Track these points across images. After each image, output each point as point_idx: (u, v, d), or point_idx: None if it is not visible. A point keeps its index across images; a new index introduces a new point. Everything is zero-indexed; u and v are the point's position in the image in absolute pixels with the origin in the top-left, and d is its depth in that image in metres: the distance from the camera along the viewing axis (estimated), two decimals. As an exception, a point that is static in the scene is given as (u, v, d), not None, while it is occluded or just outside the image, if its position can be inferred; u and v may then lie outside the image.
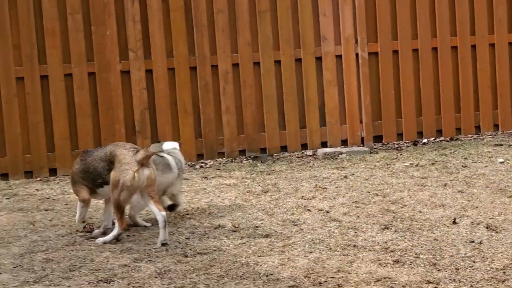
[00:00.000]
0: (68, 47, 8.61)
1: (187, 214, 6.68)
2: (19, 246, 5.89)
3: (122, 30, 8.76)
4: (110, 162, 5.89)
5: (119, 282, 4.97)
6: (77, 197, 6.22)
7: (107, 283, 4.97)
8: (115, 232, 5.90)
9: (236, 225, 6.22)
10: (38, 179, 8.55)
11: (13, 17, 8.42)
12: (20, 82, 8.51)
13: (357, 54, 9.29)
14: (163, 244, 5.73)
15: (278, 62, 9.17)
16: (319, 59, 9.27)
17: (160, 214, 5.77)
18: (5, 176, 8.50)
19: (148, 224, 6.34)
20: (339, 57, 9.30)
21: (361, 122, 9.35)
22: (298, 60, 9.23)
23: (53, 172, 8.67)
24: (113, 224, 6.02)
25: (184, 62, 8.93)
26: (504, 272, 4.95)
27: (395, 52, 9.41)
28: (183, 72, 8.94)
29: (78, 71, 8.65)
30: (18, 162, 8.51)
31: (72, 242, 5.95)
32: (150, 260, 5.41)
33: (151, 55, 8.85)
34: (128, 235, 6.06)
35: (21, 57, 8.48)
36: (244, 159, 9.17)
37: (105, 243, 5.87)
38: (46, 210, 7.05)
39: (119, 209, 5.82)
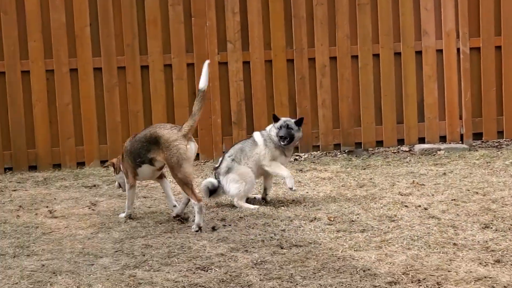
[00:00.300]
0: (168, 38, 8.75)
1: (283, 206, 6.68)
2: (119, 231, 6.02)
3: (221, 21, 8.83)
4: (150, 143, 6.03)
5: (216, 270, 5.01)
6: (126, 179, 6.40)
7: (204, 270, 5.02)
8: (196, 209, 5.92)
9: (332, 219, 6.19)
10: (137, 167, 8.71)
11: (116, 7, 8.61)
12: (121, 71, 8.70)
13: (458, 49, 9.08)
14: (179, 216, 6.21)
15: (376, 56, 9.06)
16: (418, 53, 9.11)
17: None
18: (104, 163, 8.71)
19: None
20: (439, 51, 9.12)
21: (460, 118, 9.15)
22: (397, 54, 9.10)
23: (150, 160, 8.81)
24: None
25: (281, 54, 8.94)
26: None
27: (498, 47, 9.15)
28: (280, 65, 8.95)
29: (178, 61, 8.78)
30: (117, 149, 8.70)
31: (170, 229, 6.04)
32: (246, 250, 5.43)
33: (249, 47, 8.89)
34: (224, 225, 6.11)
35: (123, 47, 8.66)
36: (339, 153, 9.11)
37: (199, 227, 5.93)
38: (145, 197, 7.19)
39: (187, 184, 5.93)
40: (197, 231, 5.92)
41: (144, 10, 8.67)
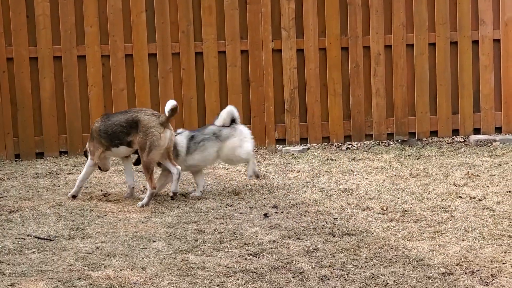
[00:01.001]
0: (222, 24, 8.77)
1: (334, 194, 6.66)
2: (172, 216, 6.07)
3: (276, 8, 8.81)
4: (130, 127, 6.38)
5: (268, 257, 5.02)
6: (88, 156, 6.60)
7: (256, 257, 5.03)
8: (148, 193, 6.34)
9: (384, 208, 6.14)
10: (189, 152, 8.77)
11: (172, -6, 8.67)
12: (175, 58, 8.75)
13: (516, 39, 8.93)
14: (174, 194, 6.48)
15: (432, 45, 8.95)
16: (475, 42, 8.97)
17: (175, 168, 6.42)
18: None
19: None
20: (496, 41, 8.96)
21: (517, 109, 9.01)
22: (453, 43, 8.97)
23: (203, 146, 8.86)
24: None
25: (335, 42, 8.89)
26: None
27: (558, 37, 8.97)
28: (334, 53, 8.90)
29: (232, 48, 8.79)
30: (170, 135, 8.77)
31: (222, 215, 6.07)
32: (298, 238, 5.43)
33: (303, 35, 8.86)
34: (276, 212, 6.12)
35: (178, 33, 8.71)
36: (392, 143, 9.04)
37: (143, 205, 6.31)
38: (197, 184, 7.21)
39: (148, 169, 6.33)
40: (142, 206, 6.32)
41: (199, -3, 8.71)
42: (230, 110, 6.87)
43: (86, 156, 6.75)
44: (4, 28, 8.39)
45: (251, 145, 6.84)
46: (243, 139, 6.81)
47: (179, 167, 6.50)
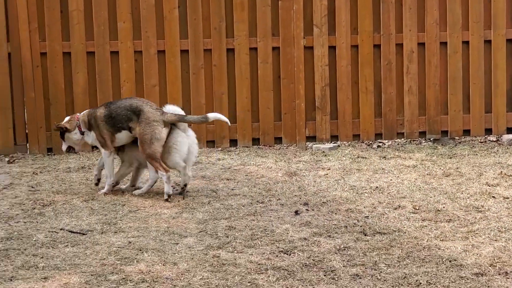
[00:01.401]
0: (254, 21, 8.76)
1: (366, 192, 6.63)
2: (203, 212, 6.09)
3: (308, 5, 8.79)
4: (133, 114, 6.57)
5: (299, 254, 5.02)
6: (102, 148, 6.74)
7: (287, 254, 5.03)
8: (165, 179, 6.45)
9: (417, 207, 6.11)
10: (219, 149, 8.80)
11: (204, -10, 8.68)
12: (207, 54, 8.76)
13: (551, 38, 8.83)
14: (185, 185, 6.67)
15: (466, 43, 8.87)
16: (510, 41, 8.88)
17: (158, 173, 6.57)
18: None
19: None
20: (532, 40, 8.87)
21: (551, 109, 8.91)
22: (487, 42, 8.89)
23: (233, 143, 8.89)
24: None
25: (368, 39, 8.84)
26: None
27: None
28: (366, 50, 8.86)
29: (263, 45, 8.79)
30: (201, 131, 8.79)
31: (252, 212, 6.07)
32: (329, 236, 5.42)
33: (335, 31, 8.83)
34: (307, 210, 6.11)
35: (210, 30, 8.72)
36: (424, 141, 8.98)
37: (168, 195, 6.44)
38: (228, 180, 7.24)
39: (155, 159, 6.50)
40: (167, 199, 6.42)
41: (231, -7, 8.72)
42: (173, 109, 6.76)
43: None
44: (39, 23, 8.46)
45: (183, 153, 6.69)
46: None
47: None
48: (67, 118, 6.94)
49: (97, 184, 6.87)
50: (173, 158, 6.64)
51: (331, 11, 8.81)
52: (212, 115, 6.88)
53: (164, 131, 6.54)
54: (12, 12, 8.39)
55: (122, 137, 6.70)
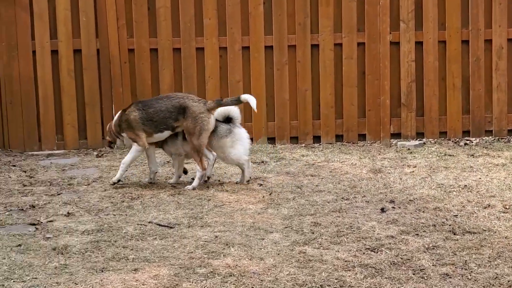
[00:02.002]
0: (339, 17, 8.71)
1: (454, 191, 6.50)
2: (288, 208, 6.08)
3: (394, 0, 8.68)
4: (178, 113, 6.71)
5: (387, 252, 4.96)
6: (134, 142, 6.81)
7: (374, 252, 4.98)
8: (198, 175, 6.68)
9: (507, 207, 5.95)
10: (303, 145, 8.79)
11: (288, -14, 8.68)
12: (291, 50, 8.76)
13: None
14: (208, 178, 6.86)
15: (558, 38, 8.62)
16: None
17: (211, 154, 6.80)
18: (271, 140, 8.85)
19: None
20: None
21: None
22: None
23: (316, 139, 8.87)
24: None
25: (456, 35, 8.68)
26: None
27: None
28: (454, 46, 8.70)
29: (348, 40, 8.73)
30: (285, 127, 8.81)
31: (338, 208, 6.04)
32: (417, 234, 5.33)
33: (422, 27, 8.70)
34: (393, 207, 6.03)
35: (294, 26, 8.71)
36: (513, 139, 8.77)
37: (194, 188, 6.64)
38: (312, 176, 7.22)
39: (199, 152, 6.68)
40: (193, 189, 6.67)
41: (316, -11, 8.69)
42: (227, 109, 6.85)
43: (110, 147, 7.21)
44: (126, 19, 8.62)
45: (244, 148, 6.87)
46: (235, 140, 6.83)
47: (215, 153, 6.83)
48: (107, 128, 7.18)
49: (153, 180, 7.06)
50: (237, 151, 6.79)
51: (418, 6, 8.68)
52: (244, 96, 6.85)
53: (211, 120, 6.73)
54: (101, 9, 8.58)
55: (163, 136, 6.87)
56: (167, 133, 6.86)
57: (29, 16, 8.54)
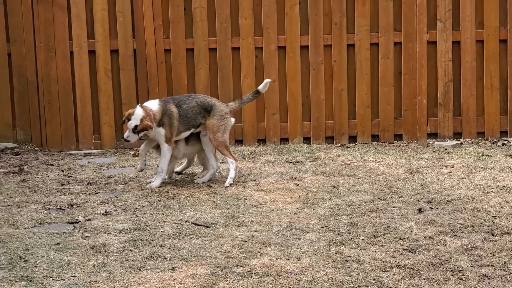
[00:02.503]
0: (376, 16, 8.67)
1: (492, 191, 6.44)
2: (324, 208, 6.07)
3: (431, -1, 8.64)
4: (205, 111, 6.94)
5: (424, 253, 4.93)
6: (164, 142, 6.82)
7: (412, 252, 4.95)
8: (233, 166, 6.90)
9: (547, 208, 5.88)
10: (338, 145, 8.77)
11: (327, -14, 8.66)
12: (327, 50, 8.73)
13: None
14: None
15: None
16: None
17: (216, 163, 7.09)
18: (307, 140, 8.83)
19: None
20: None
21: None
22: None
23: (352, 139, 8.83)
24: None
25: (494, 34, 8.60)
26: None
27: None
28: (492, 45, 8.61)
29: (384, 40, 8.68)
30: (320, 127, 8.79)
31: (374, 209, 6.01)
32: (455, 235, 5.29)
33: (459, 26, 8.62)
34: (430, 208, 5.99)
35: (330, 25, 8.69)
36: (552, 140, 8.65)
37: (230, 184, 6.80)
38: (348, 176, 7.19)
39: (227, 147, 6.96)
40: (230, 185, 6.79)
41: (357, -11, 8.66)
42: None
43: (127, 140, 6.84)
44: (163, 20, 8.66)
45: None
46: None
47: (219, 165, 7.20)
48: (140, 111, 6.76)
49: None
50: None
51: (455, 6, 8.61)
52: (261, 87, 7.17)
53: (232, 121, 7.10)
54: (138, 10, 8.63)
55: (184, 135, 6.98)
56: (188, 133, 6.97)
57: (67, 16, 8.63)
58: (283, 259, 4.85)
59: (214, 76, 8.75)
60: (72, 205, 6.24)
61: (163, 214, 5.96)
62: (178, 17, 8.67)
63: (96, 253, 4.99)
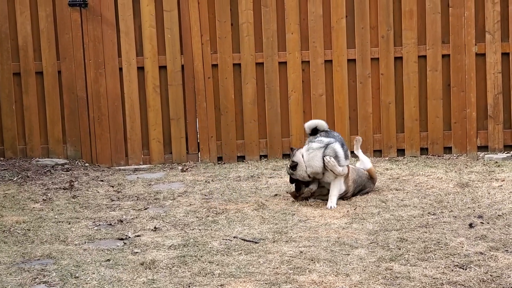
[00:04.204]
0: (423, 28, 8.61)
1: (542, 205, 6.33)
2: (373, 223, 6.03)
3: (479, 11, 8.54)
4: None
5: (475, 269, 4.86)
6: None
7: (463, 269, 4.89)
8: None
9: None
10: (387, 158, 8.71)
11: (372, 0, 8.61)
12: (374, 63, 8.70)
13: None
14: None
15: None
16: None
17: None
18: (352, 153, 8.77)
19: None
20: None
21: None
22: None
23: (400, 152, 8.77)
24: None
25: (544, 45, 8.47)
26: None
27: None
28: (542, 56, 8.48)
29: (432, 52, 8.62)
30: (368, 140, 8.74)
31: (424, 224, 5.95)
32: (507, 250, 5.21)
33: (508, 38, 8.52)
34: (481, 223, 5.91)
35: (377, 38, 8.65)
36: None
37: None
38: (397, 190, 7.14)
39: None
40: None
41: (400, 1, 8.59)
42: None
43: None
44: (210, 36, 8.73)
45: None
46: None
47: None
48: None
49: None
50: None
51: (504, 18, 8.51)
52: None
53: None
54: (185, 26, 8.72)
55: None
56: None
57: (116, 33, 8.75)
58: (332, 275, 4.84)
59: (261, 90, 8.78)
60: (122, 221, 6.31)
61: (211, 229, 5.98)
62: (225, 33, 8.72)
63: (145, 269, 5.03)
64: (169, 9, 8.71)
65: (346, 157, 6.82)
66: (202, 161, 8.82)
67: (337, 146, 6.82)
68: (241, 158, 8.85)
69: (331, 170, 6.68)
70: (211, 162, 8.78)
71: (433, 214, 6.21)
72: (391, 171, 8.00)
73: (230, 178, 7.90)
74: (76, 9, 8.72)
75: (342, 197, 6.78)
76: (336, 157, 6.70)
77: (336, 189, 6.68)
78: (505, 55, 8.55)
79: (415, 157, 8.68)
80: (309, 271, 4.91)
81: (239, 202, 6.88)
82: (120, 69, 8.78)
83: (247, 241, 5.63)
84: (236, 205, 6.75)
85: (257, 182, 7.69)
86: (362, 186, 7.00)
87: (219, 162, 8.82)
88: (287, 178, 7.14)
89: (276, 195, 7.11)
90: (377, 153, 8.78)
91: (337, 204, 6.63)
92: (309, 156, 6.75)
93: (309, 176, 6.77)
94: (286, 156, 8.77)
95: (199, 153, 8.88)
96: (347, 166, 6.82)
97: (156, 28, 8.72)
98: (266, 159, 8.83)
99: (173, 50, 8.73)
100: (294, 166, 6.76)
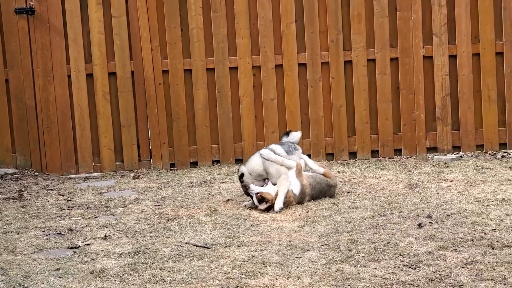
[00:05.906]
0: (372, 32, 8.70)
1: (492, 204, 6.43)
2: (324, 226, 6.06)
3: (426, 14, 8.66)
4: None
5: (424, 268, 4.91)
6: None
7: (412, 268, 4.94)
8: None
9: (547, 220, 5.87)
10: (339, 161, 8.77)
11: (321, 4, 8.67)
12: (324, 67, 8.76)
13: None
14: None
15: None
16: None
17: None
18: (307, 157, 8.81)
19: None
20: None
21: None
22: None
23: (352, 155, 8.84)
24: None
25: (490, 47, 8.62)
26: None
27: None
28: (488, 58, 8.63)
29: (381, 56, 8.71)
30: (320, 144, 8.80)
31: (374, 225, 6.00)
32: (455, 249, 5.28)
33: (455, 40, 8.65)
34: (430, 222, 5.98)
35: (327, 43, 8.72)
36: (552, 151, 8.65)
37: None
38: (348, 192, 7.19)
39: None
40: None
41: (348, 5, 8.67)
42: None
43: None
44: (160, 41, 8.70)
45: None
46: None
47: None
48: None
49: None
50: None
51: (451, 20, 8.64)
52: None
53: None
54: (134, 32, 8.68)
55: None
56: None
57: (64, 40, 8.67)
58: (284, 278, 4.85)
59: (213, 95, 8.78)
60: (71, 230, 6.25)
61: (163, 236, 5.95)
62: (175, 38, 8.70)
63: (95, 278, 4.98)
64: (118, 15, 8.66)
65: (288, 153, 7.02)
66: (155, 168, 8.77)
67: (275, 146, 7.12)
68: (194, 164, 8.83)
69: (268, 159, 6.90)
70: (164, 169, 8.75)
71: (383, 215, 6.27)
72: (343, 174, 8.05)
73: (183, 184, 7.88)
74: (23, 16, 8.62)
75: (300, 201, 6.79)
76: (273, 152, 6.98)
77: (282, 189, 6.67)
78: (452, 57, 8.68)
79: (366, 159, 8.76)
80: (260, 275, 4.92)
81: (192, 208, 6.86)
82: (69, 76, 8.70)
83: (199, 246, 5.61)
84: (188, 211, 6.73)
85: (210, 188, 7.68)
86: (324, 191, 6.97)
87: (172, 168, 8.78)
88: (240, 183, 7.14)
89: (228, 200, 7.11)
90: (330, 156, 8.84)
91: (285, 206, 6.62)
92: (249, 161, 7.08)
93: (257, 180, 6.93)
94: (239, 161, 8.78)
95: (151, 159, 8.84)
96: (297, 163, 6.87)
97: (104, 35, 8.66)
98: (218, 164, 8.83)
99: (123, 56, 8.68)
100: (241, 176, 6.97)
